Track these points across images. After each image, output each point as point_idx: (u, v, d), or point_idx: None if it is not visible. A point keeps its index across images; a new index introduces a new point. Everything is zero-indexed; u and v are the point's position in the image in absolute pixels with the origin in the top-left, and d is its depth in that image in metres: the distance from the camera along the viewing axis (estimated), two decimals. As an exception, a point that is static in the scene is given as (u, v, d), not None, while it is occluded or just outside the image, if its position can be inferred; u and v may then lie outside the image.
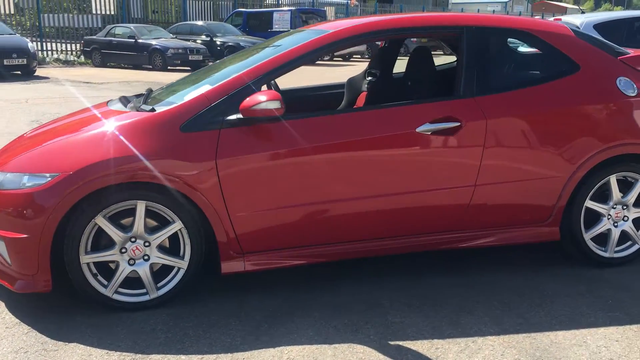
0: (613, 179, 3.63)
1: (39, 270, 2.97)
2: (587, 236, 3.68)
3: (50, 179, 2.93)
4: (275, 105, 2.99)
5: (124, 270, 3.09)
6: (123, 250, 3.07)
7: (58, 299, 3.19)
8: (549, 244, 3.73)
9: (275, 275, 3.48)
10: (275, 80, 3.74)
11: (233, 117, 3.10)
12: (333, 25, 3.62)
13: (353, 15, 29.77)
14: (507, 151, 3.44)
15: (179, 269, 3.17)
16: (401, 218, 3.40)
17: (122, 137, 3.05)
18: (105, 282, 3.10)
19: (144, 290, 3.15)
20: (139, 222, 3.05)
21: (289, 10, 22.18)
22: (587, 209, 3.66)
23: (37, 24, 20.79)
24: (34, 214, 2.91)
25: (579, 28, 7.97)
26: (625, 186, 3.72)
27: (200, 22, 21.28)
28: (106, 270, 3.12)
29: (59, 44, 21.08)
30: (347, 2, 30.65)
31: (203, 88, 3.27)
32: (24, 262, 2.98)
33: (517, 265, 3.76)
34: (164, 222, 3.12)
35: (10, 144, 3.68)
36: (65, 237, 2.96)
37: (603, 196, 3.69)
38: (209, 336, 2.88)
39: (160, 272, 3.20)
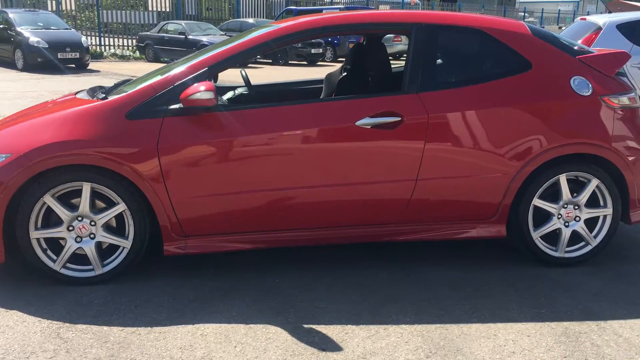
0: (563, 179, 3.62)
1: (-7, 243, 3.24)
2: (536, 235, 3.68)
3: (4, 159, 3.18)
4: (208, 95, 3.15)
5: (71, 246, 3.32)
6: (70, 228, 3.30)
7: (17, 271, 3.44)
8: (503, 241, 3.75)
9: (219, 258, 3.65)
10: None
11: (175, 106, 3.28)
12: (291, 21, 3.75)
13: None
14: (450, 147, 3.49)
15: (123, 248, 3.38)
16: (341, 209, 3.50)
17: (71, 123, 3.28)
18: (55, 257, 3.33)
19: (90, 267, 3.37)
20: (85, 202, 3.28)
21: (337, 8, 22.30)
22: (536, 207, 3.66)
23: (96, 20, 21.64)
24: None
25: (602, 28, 7.81)
26: (580, 186, 3.70)
27: (251, 20, 21.71)
28: (58, 246, 3.35)
29: (116, 39, 21.91)
30: (402, 1, 30.50)
31: (154, 79, 3.47)
32: None
33: (464, 260, 3.80)
34: (109, 204, 3.33)
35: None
36: (17, 213, 3.21)
37: (555, 195, 3.68)
38: (138, 311, 3.08)
39: (108, 251, 3.41)
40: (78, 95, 3.79)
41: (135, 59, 20.89)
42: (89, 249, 3.34)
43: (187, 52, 18.65)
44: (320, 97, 4.70)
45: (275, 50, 3.69)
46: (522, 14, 39.46)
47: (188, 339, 2.81)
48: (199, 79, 3.33)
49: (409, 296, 3.31)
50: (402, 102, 3.46)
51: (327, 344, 2.79)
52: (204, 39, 18.78)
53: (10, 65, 16.03)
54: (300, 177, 3.40)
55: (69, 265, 3.37)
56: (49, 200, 3.23)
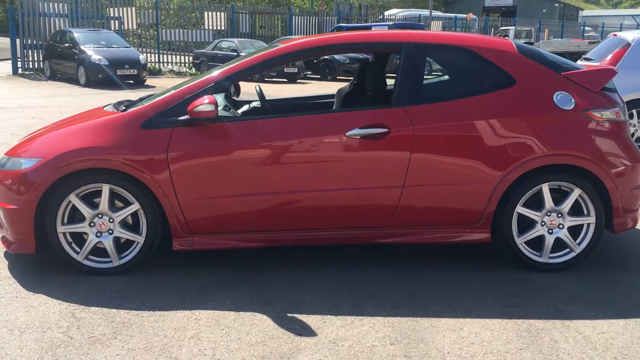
0: (545, 188, 3.84)
1: (26, 236, 3.71)
2: (520, 240, 3.90)
3: (35, 163, 3.66)
4: (209, 108, 3.55)
5: (92, 240, 3.76)
6: (92, 224, 3.75)
7: (46, 262, 3.90)
8: (491, 246, 3.99)
9: (223, 255, 4.03)
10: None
11: (183, 117, 3.69)
12: (292, 41, 4.13)
13: (460, 30, 29.71)
14: (434, 157, 3.76)
15: (137, 243, 3.80)
16: (334, 212, 3.83)
17: (93, 132, 3.74)
18: (78, 250, 3.78)
19: (109, 259, 3.81)
20: (104, 201, 3.72)
21: (385, 25, 22.65)
22: (520, 215, 3.88)
23: (156, 38, 22.70)
24: (22, 190, 3.66)
25: (630, 44, 7.88)
26: (564, 195, 3.90)
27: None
28: (81, 240, 3.80)
29: (174, 57, 22.89)
30: (456, 17, 30.60)
31: (168, 93, 3.90)
32: (15, 229, 3.73)
33: (452, 262, 4.05)
34: (126, 203, 3.76)
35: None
36: (46, 211, 3.68)
37: (540, 203, 3.90)
38: (144, 298, 3.48)
39: (125, 245, 3.84)
40: (105, 108, 4.25)
41: (191, 75, 21.75)
42: (108, 243, 3.77)
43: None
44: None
45: (277, 67, 4.04)
46: (582, 28, 38.81)
47: (183, 322, 3.18)
48: (205, 93, 3.73)
49: (390, 293, 3.59)
50: (390, 115, 3.76)
51: (304, 330, 3.11)
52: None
53: (74, 81, 17.06)
54: (295, 183, 3.74)
55: (90, 257, 3.80)
56: (73, 199, 3.69)
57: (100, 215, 3.75)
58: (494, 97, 3.84)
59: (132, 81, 17.01)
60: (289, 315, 3.29)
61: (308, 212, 3.81)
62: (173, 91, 3.89)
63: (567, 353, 2.93)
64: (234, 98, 5.13)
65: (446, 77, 4.21)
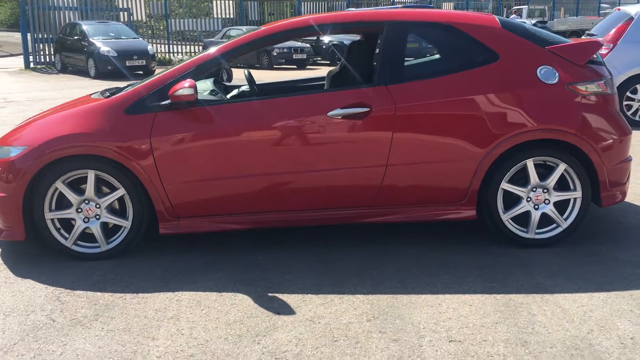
0: (530, 163, 3.82)
1: (15, 223, 3.78)
2: (505, 217, 3.89)
3: (22, 150, 3.72)
4: (189, 92, 3.57)
5: (80, 226, 3.82)
6: (79, 210, 3.80)
7: (36, 248, 3.97)
8: (478, 222, 3.98)
9: (212, 238, 4.07)
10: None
11: (165, 102, 3.71)
12: (272, 24, 4.13)
13: (472, 10, 29.37)
14: (417, 135, 3.76)
15: (124, 228, 3.85)
16: (318, 193, 3.84)
17: (77, 119, 3.79)
18: (67, 236, 3.84)
19: (97, 244, 3.86)
20: (90, 187, 3.77)
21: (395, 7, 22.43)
22: (506, 191, 3.87)
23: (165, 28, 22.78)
24: (10, 178, 3.72)
25: (634, 18, 7.77)
26: (550, 170, 3.88)
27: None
28: (70, 226, 3.86)
29: (183, 46, 22.96)
30: (467, -2, 30.26)
31: (152, 78, 3.93)
32: (4, 216, 3.80)
33: (439, 240, 4.06)
34: (112, 189, 3.81)
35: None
36: (34, 197, 3.74)
37: (526, 179, 3.88)
38: (129, 281, 3.53)
39: (113, 230, 3.89)
40: (92, 96, 4.30)
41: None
42: (95, 228, 3.82)
43: (246, 55, 19.37)
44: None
45: (255, 50, 4.06)
46: (599, 4, 38.11)
47: (164, 303, 3.23)
48: (186, 78, 3.75)
49: (373, 271, 3.61)
50: (371, 94, 3.76)
51: (283, 309, 3.15)
52: (265, 43, 19.33)
53: (84, 73, 17.21)
54: (277, 165, 3.76)
55: (79, 242, 3.86)
56: (59, 185, 3.74)
57: (87, 201, 3.80)
58: (477, 73, 3.82)
59: (141, 72, 17.09)
60: (270, 294, 3.32)
61: (292, 193, 3.82)
62: (156, 76, 3.91)
63: (543, 326, 2.93)
64: (225, 83, 5.15)
65: (429, 54, 4.18)
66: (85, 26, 17.75)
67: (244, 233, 4.10)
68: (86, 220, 3.82)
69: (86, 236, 3.87)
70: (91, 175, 3.75)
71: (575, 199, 3.90)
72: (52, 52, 19.49)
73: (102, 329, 2.97)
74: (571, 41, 4.13)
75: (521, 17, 31.98)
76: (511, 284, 3.40)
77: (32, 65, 19.77)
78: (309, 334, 2.88)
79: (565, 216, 3.92)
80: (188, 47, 23.00)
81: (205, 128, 3.71)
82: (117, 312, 3.14)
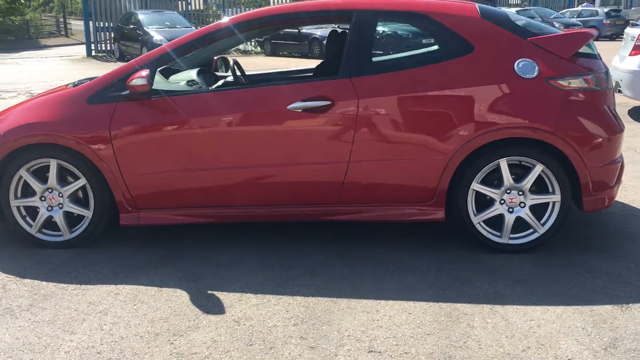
0: (503, 163, 3.56)
1: (-17, 210, 3.84)
2: (477, 220, 3.65)
3: (-11, 139, 3.77)
4: (140, 82, 3.52)
5: (43, 214, 3.84)
6: (42, 198, 3.83)
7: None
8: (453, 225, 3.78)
9: (182, 229, 4.02)
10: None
11: (125, 92, 3.67)
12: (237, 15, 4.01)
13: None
14: (381, 130, 3.57)
15: (86, 217, 3.85)
16: (278, 188, 3.72)
17: (42, 108, 3.81)
18: (33, 223, 3.87)
19: (61, 233, 3.88)
20: (52, 176, 3.78)
21: (454, -4, 21.84)
22: (478, 192, 3.63)
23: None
24: None
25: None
26: (527, 171, 3.61)
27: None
28: (36, 214, 3.89)
29: (240, 35, 23.12)
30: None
31: (116, 68, 3.89)
32: None
33: (408, 242, 3.85)
34: (76, 178, 3.81)
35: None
36: (0, 185, 3.79)
37: (501, 180, 3.63)
38: (81, 272, 3.53)
39: (78, 219, 3.90)
40: (69, 86, 4.31)
41: (256, 53, 21.98)
42: (58, 217, 3.84)
43: (299, 45, 19.36)
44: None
45: (220, 40, 3.96)
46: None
47: (101, 296, 3.20)
48: (147, 68, 3.69)
49: (327, 271, 3.46)
50: (334, 87, 3.59)
51: (214, 308, 3.05)
52: (317, 32, 19.29)
53: (138, 61, 17.57)
54: (237, 158, 3.66)
55: (44, 230, 3.89)
56: (23, 173, 3.77)
57: (50, 190, 3.81)
58: (449, 65, 3.59)
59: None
60: (209, 292, 3.23)
61: (252, 188, 3.72)
62: (119, 67, 3.88)
63: (477, 340, 2.71)
64: (217, 73, 5.06)
65: (400, 44, 3.97)
66: (141, 15, 18.15)
67: (221, 226, 4.01)
68: (50, 208, 3.84)
69: (52, 224, 3.90)
70: (53, 164, 3.76)
71: (553, 203, 3.62)
72: (112, 41, 20.03)
73: (29, 319, 2.97)
74: (562, 31, 3.82)
75: (594, 4, 30.55)
76: (466, 292, 3.18)
77: (93, 53, 20.43)
78: (227, 336, 2.78)
79: (542, 221, 3.64)
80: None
81: (164, 119, 3.65)
82: (51, 303, 3.13)
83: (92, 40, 20.39)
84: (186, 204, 3.79)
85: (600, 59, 3.82)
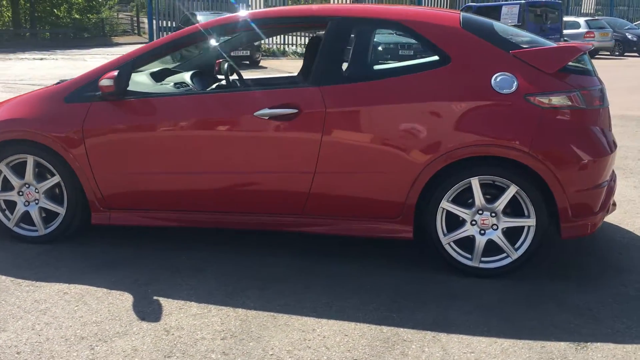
0: (475, 182, 3.37)
1: (-34, 201, 3.96)
2: (446, 240, 3.47)
3: (-28, 134, 3.88)
4: (106, 83, 3.53)
5: (20, 209, 3.92)
6: (20, 193, 3.90)
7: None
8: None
9: (147, 230, 4.01)
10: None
11: (99, 92, 3.70)
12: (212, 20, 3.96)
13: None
14: (348, 142, 3.45)
15: (60, 214, 3.90)
16: (245, 196, 3.65)
17: (23, 104, 3.88)
18: (11, 217, 3.96)
19: (36, 228, 3.94)
20: (29, 172, 3.85)
21: (517, 3, 21.16)
22: (449, 211, 3.45)
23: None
24: None
25: None
26: (502, 192, 3.41)
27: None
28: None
29: (299, 38, 23.28)
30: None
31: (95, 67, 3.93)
32: None
33: (377, 259, 3.70)
34: (52, 175, 3.87)
35: None
36: (-18, 179, 3.90)
37: (473, 200, 3.44)
38: (44, 267, 3.56)
39: (54, 215, 3.95)
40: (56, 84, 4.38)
41: (293, 54, 22.05)
42: (34, 212, 3.91)
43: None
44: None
45: (192, 45, 3.92)
46: None
47: (48, 295, 3.21)
48: (124, 69, 3.69)
49: (280, 285, 3.36)
50: (302, 95, 3.50)
51: (151, 315, 3.01)
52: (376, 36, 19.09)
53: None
54: (202, 163, 3.61)
55: (22, 225, 3.97)
56: (3, 168, 3.86)
57: (27, 185, 3.88)
58: (422, 77, 3.43)
59: (247, 62, 17.54)
60: (154, 297, 3.20)
61: (219, 194, 3.67)
62: (98, 66, 3.91)
63: (403, 370, 2.55)
64: (219, 77, 5.05)
65: (366, 54, 3.81)
66: (199, 16, 18.49)
67: (199, 230, 3.97)
68: (26, 203, 3.91)
69: (30, 219, 3.96)
70: (30, 160, 3.82)
71: (528, 227, 3.39)
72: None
73: (-30, 313, 3.01)
74: (554, 45, 3.59)
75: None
76: (415, 316, 3.02)
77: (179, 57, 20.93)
78: (149, 345, 2.73)
79: (516, 245, 3.42)
80: (304, 38, 23.22)
81: (134, 120, 3.66)
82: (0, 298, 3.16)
83: (155, 39, 20.92)
84: (155, 207, 3.78)
85: (596, 75, 3.57)
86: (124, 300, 3.16)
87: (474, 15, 3.77)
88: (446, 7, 25.12)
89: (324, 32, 3.62)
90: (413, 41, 3.90)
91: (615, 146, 3.57)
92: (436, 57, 3.45)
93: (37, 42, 28.99)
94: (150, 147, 3.64)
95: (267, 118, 3.49)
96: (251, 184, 3.60)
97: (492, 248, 3.45)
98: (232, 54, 15.16)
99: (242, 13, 3.84)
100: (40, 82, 11.88)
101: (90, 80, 3.75)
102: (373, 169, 3.44)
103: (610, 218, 4.39)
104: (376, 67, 3.75)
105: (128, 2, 51.91)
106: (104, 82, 3.53)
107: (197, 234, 4.03)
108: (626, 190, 5.18)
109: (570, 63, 3.40)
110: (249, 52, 17.37)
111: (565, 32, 21.97)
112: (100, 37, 33.15)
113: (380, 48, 13.61)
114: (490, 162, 3.35)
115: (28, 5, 32.57)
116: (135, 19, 37.90)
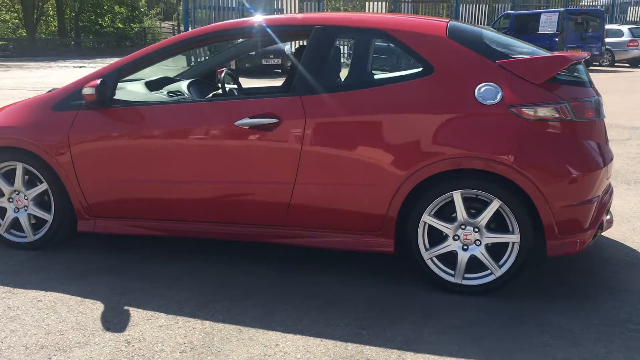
0: (457, 196, 3.26)
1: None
2: (428, 255, 3.36)
3: (-34, 140, 3.94)
4: (88, 91, 3.54)
5: (10, 215, 3.97)
6: (10, 199, 3.95)
7: None
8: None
9: (137, 238, 4.01)
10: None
11: (85, 101, 3.72)
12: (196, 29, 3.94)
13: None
14: (328, 152, 3.37)
15: (47, 221, 3.93)
16: (226, 206, 3.61)
17: (14, 112, 3.93)
18: (1, 223, 4.01)
19: (26, 234, 3.98)
20: (18, 178, 3.90)
21: (557, 11, 20.71)
22: (430, 226, 3.35)
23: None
24: None
25: None
26: (486, 206, 3.28)
27: (460, 26, 21.14)
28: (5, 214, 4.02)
29: (334, 46, 23.26)
30: None
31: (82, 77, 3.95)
32: None
33: (357, 273, 3.61)
34: (40, 182, 3.90)
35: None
36: (-27, 185, 3.96)
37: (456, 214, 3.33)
38: (24, 275, 3.58)
39: (43, 222, 3.99)
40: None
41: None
42: (23, 218, 3.94)
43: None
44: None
45: (176, 54, 3.86)
46: None
47: (22, 302, 3.23)
48: (109, 77, 3.70)
49: (253, 297, 3.29)
50: (283, 105, 3.44)
51: (117, 326, 2.98)
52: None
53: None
54: (183, 172, 3.59)
55: (12, 231, 4.01)
56: (-7, 175, 3.91)
57: (17, 192, 3.92)
58: (405, 87, 3.33)
59: (279, 70, 17.62)
60: (125, 308, 3.18)
61: (200, 204, 3.63)
62: (85, 75, 3.93)
63: (357, 391, 2.46)
64: (220, 84, 5.03)
65: (360, 63, 3.72)
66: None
67: (185, 239, 3.96)
68: (16, 210, 3.95)
69: (21, 226, 4.00)
70: (19, 167, 3.87)
71: (512, 244, 3.25)
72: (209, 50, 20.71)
73: (-58, 318, 3.03)
74: (545, 54, 3.45)
75: None
76: (385, 334, 2.92)
77: (192, 63, 21.17)
78: (106, 357, 2.70)
79: (500, 262, 3.29)
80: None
81: (118, 129, 3.66)
82: (-27, 305, 3.19)
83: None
84: (138, 215, 3.77)
85: (591, 86, 3.42)
86: (95, 309, 3.15)
87: (464, 25, 3.65)
88: (484, 15, 24.77)
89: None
90: (386, 46, 3.78)
91: (611, 159, 3.41)
92: (420, 67, 3.34)
93: (81, 50, 29.80)
94: (133, 155, 3.63)
95: (247, 127, 3.44)
96: (233, 194, 3.56)
97: (476, 264, 3.33)
98: (263, 62, 15.25)
99: (224, 23, 3.81)
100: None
101: (78, 89, 3.76)
102: (353, 181, 3.35)
103: (616, 235, 4.21)
104: (359, 76, 3.66)
105: (172, 12, 52.97)
106: (86, 90, 3.54)
107: (185, 244, 4.00)
108: (638, 206, 4.95)
109: (563, 73, 3.25)
110: (280, 60, 17.43)
111: (607, 40, 21.38)
112: (142, 45, 33.81)
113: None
114: (473, 175, 3.23)
115: (73, 15, 33.50)
116: (177, 28, 38.56)
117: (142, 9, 37.27)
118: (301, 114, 3.37)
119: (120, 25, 35.14)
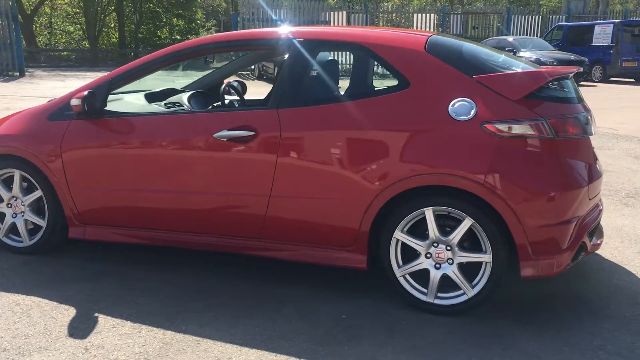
0: (429, 213, 3.19)
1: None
2: (400, 272, 3.31)
3: (-33, 148, 4.12)
4: (74, 102, 3.65)
5: (8, 221, 4.12)
6: (9, 205, 4.10)
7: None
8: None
9: (136, 247, 4.09)
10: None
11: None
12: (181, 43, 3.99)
13: None
14: (302, 165, 3.36)
15: (42, 227, 4.06)
16: (205, 217, 3.65)
17: (16, 121, 4.09)
18: (1, 227, 4.17)
19: (22, 239, 4.13)
20: (16, 185, 4.05)
21: (611, 22, 20.05)
22: (403, 243, 3.29)
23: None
24: None
25: None
26: (458, 224, 3.21)
27: (510, 38, 20.78)
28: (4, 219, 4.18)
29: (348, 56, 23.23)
30: None
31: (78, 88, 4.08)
32: None
33: (339, 288, 3.57)
34: (36, 188, 4.04)
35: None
36: (-27, 192, 4.13)
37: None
38: (10, 278, 3.71)
39: (39, 227, 4.12)
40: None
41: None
42: (19, 224, 4.09)
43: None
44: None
45: (162, 67, 3.90)
46: None
47: (1, 305, 3.33)
48: (99, 89, 3.81)
49: (222, 309, 3.30)
50: (260, 118, 3.46)
51: (82, 332, 3.04)
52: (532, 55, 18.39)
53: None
54: (164, 182, 3.64)
55: (10, 235, 4.16)
56: (-8, 182, 4.08)
57: (14, 198, 4.07)
58: (379, 101, 3.30)
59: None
60: (95, 315, 3.24)
61: (179, 214, 3.68)
62: (81, 86, 4.05)
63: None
64: (227, 96, 5.10)
65: (337, 77, 3.71)
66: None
67: (182, 249, 4.01)
68: (14, 215, 4.10)
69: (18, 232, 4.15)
70: (17, 174, 4.01)
71: (485, 263, 3.16)
72: (254, 60, 21.03)
73: None
74: (525, 69, 3.36)
75: None
76: (342, 351, 2.87)
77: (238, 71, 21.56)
78: (61, 362, 2.76)
79: (474, 282, 3.20)
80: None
81: (105, 139, 3.75)
82: (-46, 307, 3.32)
83: (239, 58, 21.53)
84: (125, 224, 3.85)
85: (580, 102, 3.30)
86: (67, 315, 3.22)
87: (446, 39, 3.58)
88: (537, 26, 24.23)
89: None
90: (353, 59, 3.74)
91: (597, 178, 3.27)
92: (395, 81, 3.30)
93: (138, 61, 30.63)
94: (118, 165, 3.71)
95: (225, 140, 3.47)
96: (211, 206, 3.59)
97: (450, 284, 3.24)
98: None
99: (206, 37, 3.86)
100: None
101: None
102: (326, 195, 3.33)
103: (618, 257, 4.03)
104: (334, 90, 3.64)
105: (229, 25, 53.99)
106: (74, 101, 3.65)
107: (175, 253, 4.04)
108: (653, 226, 4.73)
109: (546, 89, 3.15)
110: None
111: (666, 52, 20.57)
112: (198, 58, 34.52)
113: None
114: (445, 192, 3.15)
115: (133, 27, 34.60)
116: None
117: (198, 22, 38.13)
118: (276, 127, 3.38)
119: (178, 37, 36.02)
